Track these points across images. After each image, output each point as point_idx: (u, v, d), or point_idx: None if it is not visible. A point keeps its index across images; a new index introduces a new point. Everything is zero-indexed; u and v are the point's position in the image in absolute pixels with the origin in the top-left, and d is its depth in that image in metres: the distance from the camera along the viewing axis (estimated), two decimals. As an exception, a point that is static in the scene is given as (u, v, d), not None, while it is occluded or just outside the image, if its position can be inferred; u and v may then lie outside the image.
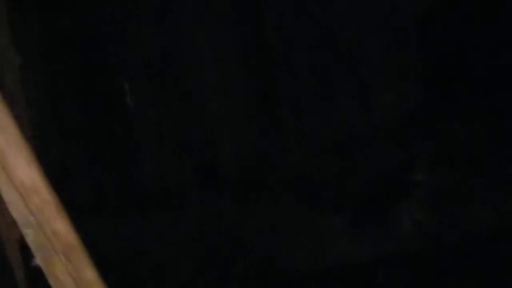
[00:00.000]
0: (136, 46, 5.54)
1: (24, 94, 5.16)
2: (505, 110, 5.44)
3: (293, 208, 5.24)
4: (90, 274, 1.82)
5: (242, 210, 5.26)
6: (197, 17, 5.54)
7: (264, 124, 5.64)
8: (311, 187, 5.34)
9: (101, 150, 5.55)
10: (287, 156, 5.57)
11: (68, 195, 5.13)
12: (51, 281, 1.83)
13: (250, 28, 5.61)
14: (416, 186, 5.24)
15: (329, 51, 5.69)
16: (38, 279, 1.87)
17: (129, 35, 5.50)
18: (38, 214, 1.79)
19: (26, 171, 1.77)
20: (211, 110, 5.65)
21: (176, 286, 4.89)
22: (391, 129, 5.63)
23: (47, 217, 1.79)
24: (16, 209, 1.79)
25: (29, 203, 1.78)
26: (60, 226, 1.80)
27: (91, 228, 5.15)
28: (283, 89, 5.71)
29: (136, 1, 5.49)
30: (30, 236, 1.81)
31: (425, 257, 4.82)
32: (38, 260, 1.82)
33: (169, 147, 5.60)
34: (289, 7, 5.60)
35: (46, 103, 5.47)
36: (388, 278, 4.67)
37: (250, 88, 5.68)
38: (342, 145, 5.59)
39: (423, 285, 4.55)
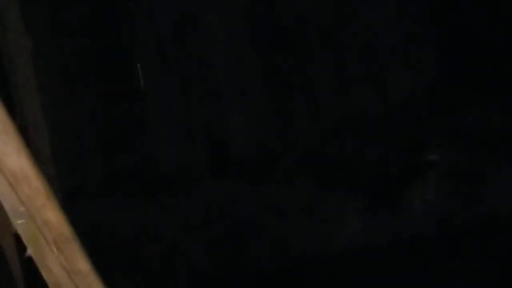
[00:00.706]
0: (149, 28, 5.49)
1: (36, 77, 5.13)
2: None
3: (306, 190, 5.19)
4: (83, 265, 1.77)
5: (255, 192, 5.22)
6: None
7: (277, 105, 5.59)
8: (324, 168, 5.28)
9: (114, 132, 5.52)
10: (300, 137, 5.52)
11: (81, 177, 5.14)
12: (44, 273, 1.78)
13: (263, 6, 5.56)
14: (431, 167, 5.17)
15: (342, 29, 5.62)
16: (34, 272, 1.82)
17: (141, 16, 5.46)
18: (29, 204, 1.74)
19: (16, 159, 1.72)
20: (224, 91, 5.60)
21: (187, 268, 4.86)
22: (405, 110, 5.56)
23: (38, 206, 1.74)
24: (7, 200, 1.74)
25: (20, 193, 1.73)
26: (52, 215, 1.75)
27: (103, 210, 5.15)
28: (296, 69, 5.65)
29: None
30: (22, 227, 1.76)
31: (438, 239, 4.76)
32: (30, 252, 1.78)
33: (181, 129, 5.57)
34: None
35: (58, 86, 5.44)
36: (401, 260, 4.62)
37: (263, 68, 5.62)
38: (356, 126, 5.53)
39: (436, 266, 4.49)
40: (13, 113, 4.72)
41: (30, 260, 1.79)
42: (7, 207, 1.75)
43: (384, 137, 5.43)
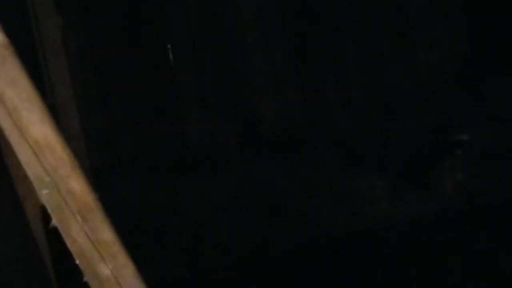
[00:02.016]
0: (180, 8, 5.49)
1: (66, 55, 5.14)
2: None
3: (334, 168, 5.18)
4: (107, 235, 1.76)
5: (283, 170, 5.21)
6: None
7: (307, 84, 5.57)
8: (353, 147, 5.26)
9: (144, 110, 5.53)
10: (329, 116, 5.50)
11: (111, 155, 5.15)
12: (68, 243, 1.78)
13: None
14: (460, 147, 5.13)
15: (373, 9, 5.58)
16: (58, 241, 1.82)
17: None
18: (53, 173, 1.73)
19: (40, 128, 1.71)
20: (254, 71, 5.59)
21: (214, 245, 4.86)
22: (435, 89, 5.52)
23: (62, 176, 1.73)
24: (31, 169, 1.74)
25: (44, 162, 1.73)
26: (76, 185, 1.74)
27: (133, 187, 5.16)
28: (327, 49, 5.62)
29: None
30: (46, 197, 1.75)
31: (467, 218, 4.73)
32: (55, 221, 1.77)
33: (211, 107, 5.57)
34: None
35: (88, 64, 5.45)
36: (429, 239, 4.59)
37: (293, 47, 5.61)
38: (386, 105, 5.50)
39: (463, 245, 4.47)
40: (43, 90, 4.74)
41: (55, 230, 1.79)
42: (32, 177, 1.74)
43: (414, 117, 5.39)
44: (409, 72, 5.61)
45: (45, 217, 1.84)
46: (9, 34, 1.67)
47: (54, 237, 1.82)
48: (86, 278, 1.80)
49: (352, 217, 4.93)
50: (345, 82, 5.60)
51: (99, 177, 4.93)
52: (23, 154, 1.72)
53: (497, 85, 5.33)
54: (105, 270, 1.78)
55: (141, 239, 4.79)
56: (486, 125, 5.25)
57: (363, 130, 5.36)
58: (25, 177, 1.79)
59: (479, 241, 4.49)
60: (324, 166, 5.21)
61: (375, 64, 5.63)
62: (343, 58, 5.62)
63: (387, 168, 5.12)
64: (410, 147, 5.25)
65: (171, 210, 5.02)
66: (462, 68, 5.50)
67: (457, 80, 5.47)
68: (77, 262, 1.78)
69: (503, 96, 5.30)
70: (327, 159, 5.24)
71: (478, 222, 4.71)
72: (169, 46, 5.57)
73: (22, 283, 2.06)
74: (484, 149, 5.16)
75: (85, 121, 5.18)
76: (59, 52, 5.06)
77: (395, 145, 5.28)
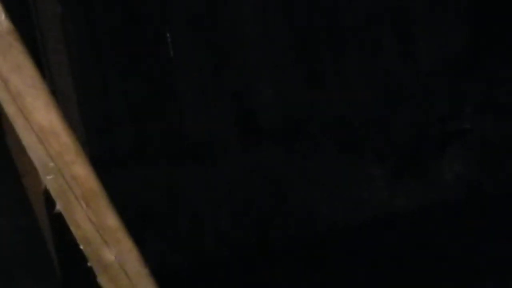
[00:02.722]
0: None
1: (66, 43, 5.13)
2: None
3: (334, 158, 5.18)
4: (112, 220, 1.77)
5: (283, 160, 5.21)
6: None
7: (306, 73, 5.56)
8: (353, 136, 5.27)
9: (143, 100, 5.52)
10: (330, 105, 5.49)
11: (110, 144, 5.15)
12: (72, 228, 1.78)
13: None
14: (460, 135, 5.13)
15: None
16: (62, 227, 1.82)
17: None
18: (58, 159, 1.74)
19: (45, 114, 1.71)
20: (253, 60, 5.58)
21: (214, 236, 4.87)
22: (436, 78, 5.51)
23: (67, 161, 1.74)
24: (36, 154, 1.74)
25: (49, 148, 1.73)
26: (80, 170, 1.75)
27: (132, 177, 5.16)
28: (325, 38, 5.62)
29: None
30: (51, 183, 1.76)
31: (466, 208, 4.74)
32: (59, 207, 1.78)
33: (210, 97, 5.56)
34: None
35: (88, 53, 5.44)
36: (428, 227, 4.60)
37: (293, 37, 5.60)
38: (386, 95, 5.50)
39: (462, 233, 4.47)
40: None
41: (59, 216, 1.79)
42: (36, 162, 1.75)
43: (413, 105, 5.39)
44: (409, 61, 5.60)
45: (49, 203, 1.85)
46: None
47: (58, 223, 1.83)
48: (90, 264, 1.80)
49: (352, 206, 4.94)
50: (345, 71, 5.60)
51: (98, 166, 4.92)
52: (28, 140, 1.73)
53: (499, 75, 5.33)
54: (109, 256, 1.79)
55: (140, 229, 4.80)
56: (487, 114, 5.25)
57: (362, 119, 5.36)
58: (29, 163, 1.80)
59: (478, 230, 4.50)
60: (324, 155, 5.22)
61: (375, 53, 5.62)
62: (343, 47, 5.62)
63: (387, 158, 5.13)
64: (410, 137, 5.26)
65: (170, 199, 5.02)
66: (463, 57, 5.49)
67: (458, 69, 5.46)
68: (81, 247, 1.79)
69: (505, 86, 5.30)
70: (327, 148, 5.25)
71: (478, 212, 4.72)
72: (168, 35, 5.57)
73: (25, 269, 2.06)
74: (485, 139, 5.17)
75: (84, 111, 5.18)
76: (58, 42, 5.06)
77: (395, 134, 5.28)
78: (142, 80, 5.50)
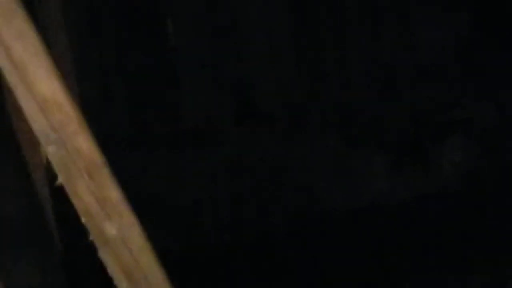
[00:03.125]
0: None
1: (65, 24, 5.09)
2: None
3: (334, 145, 5.16)
4: (114, 193, 1.74)
5: (282, 146, 5.20)
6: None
7: (306, 61, 5.54)
8: (353, 124, 5.25)
9: (142, 84, 5.50)
10: (329, 92, 5.48)
11: (108, 128, 5.12)
12: (74, 201, 1.75)
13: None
14: (460, 125, 5.12)
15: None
16: (63, 200, 1.80)
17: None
18: (60, 130, 1.70)
19: (48, 83, 1.68)
20: (254, 46, 5.56)
21: (212, 221, 4.86)
22: (436, 67, 5.50)
23: (70, 133, 1.70)
24: (37, 125, 1.71)
25: (51, 119, 1.70)
26: (83, 143, 1.72)
27: (129, 161, 5.14)
28: (326, 25, 5.60)
29: None
30: (52, 154, 1.73)
31: (464, 197, 4.73)
32: (61, 179, 1.75)
33: (210, 83, 5.54)
34: None
35: (87, 35, 5.41)
36: (426, 216, 4.59)
37: (293, 23, 5.58)
38: (386, 83, 5.48)
39: (461, 222, 4.47)
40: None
41: (60, 188, 1.76)
42: (38, 133, 1.71)
43: (414, 95, 5.38)
44: (410, 50, 5.58)
45: (51, 175, 1.82)
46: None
47: (60, 195, 1.80)
48: (91, 237, 1.78)
49: (350, 193, 4.92)
50: (345, 59, 5.58)
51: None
52: (30, 110, 1.69)
53: (499, 65, 5.31)
54: (111, 229, 1.76)
55: (137, 214, 4.77)
56: (487, 104, 5.24)
57: (362, 107, 5.34)
58: (30, 133, 1.77)
59: (476, 219, 4.49)
60: (323, 142, 5.20)
61: (375, 42, 5.60)
62: (343, 35, 5.60)
63: (387, 147, 5.11)
64: (410, 126, 5.24)
65: (169, 185, 5.01)
66: (463, 47, 5.48)
67: (458, 59, 5.44)
68: (82, 220, 1.76)
69: (505, 76, 5.29)
70: (326, 135, 5.23)
71: (476, 201, 4.71)
72: (169, 20, 5.54)
73: (25, 243, 2.04)
74: (484, 128, 5.15)
75: (81, 94, 5.14)
76: (58, 23, 5.02)
77: (394, 123, 5.27)
78: (142, 65, 5.48)
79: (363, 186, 4.97)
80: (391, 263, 4.33)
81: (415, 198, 4.80)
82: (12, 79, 1.67)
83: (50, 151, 1.72)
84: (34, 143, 1.81)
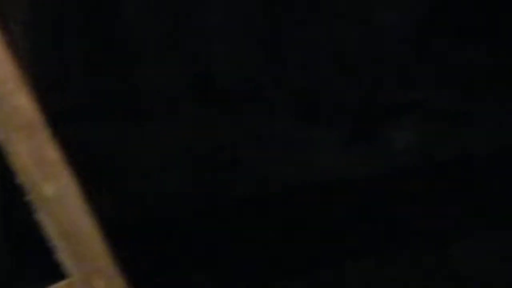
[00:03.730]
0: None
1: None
2: (509, 32, 5.33)
3: (286, 121, 5.19)
4: (52, 153, 1.74)
5: (235, 121, 5.21)
6: None
7: (263, 35, 5.54)
8: (305, 101, 5.27)
9: (98, 57, 5.47)
10: (284, 70, 5.49)
11: (63, 99, 5.09)
12: (12, 160, 1.74)
13: None
14: (413, 106, 5.17)
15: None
16: (2, 161, 1.79)
17: None
18: (-1, 87, 1.69)
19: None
20: (212, 21, 5.55)
21: (164, 195, 4.86)
22: (391, 48, 5.53)
23: (8, 90, 1.69)
24: (-26, 82, 1.70)
25: (-12, 76, 1.68)
26: (22, 101, 1.71)
27: (83, 133, 5.12)
28: (284, 5, 5.60)
29: None
30: (-10, 112, 1.71)
31: (417, 175, 4.78)
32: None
33: (166, 56, 5.52)
34: None
35: (43, 7, 5.37)
36: (379, 194, 4.63)
37: (254, 2, 5.58)
38: (341, 62, 5.50)
39: (414, 202, 4.51)
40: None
41: (-1, 148, 1.75)
42: (-26, 90, 1.70)
43: (367, 75, 5.41)
44: (366, 30, 5.61)
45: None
46: None
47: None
48: (29, 197, 1.77)
49: (304, 170, 4.95)
50: (301, 38, 5.58)
51: (49, 121, 4.86)
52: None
53: (454, 47, 5.35)
54: (48, 189, 1.75)
55: (88, 185, 4.75)
56: (440, 86, 5.28)
57: (317, 85, 5.36)
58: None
59: (428, 197, 4.54)
60: (276, 118, 5.22)
61: (331, 22, 5.61)
62: (300, 15, 5.60)
63: (338, 123, 5.15)
64: (362, 104, 5.28)
65: (120, 156, 4.99)
66: (419, 28, 5.51)
67: (414, 40, 5.48)
68: (20, 180, 1.75)
69: (460, 59, 5.33)
70: (279, 111, 5.24)
71: (426, 180, 4.76)
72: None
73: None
74: (436, 110, 5.20)
75: (37, 64, 5.11)
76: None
77: (347, 101, 5.30)
78: (97, 38, 5.45)
79: (316, 162, 5.00)
80: (343, 238, 4.38)
81: (367, 175, 4.84)
82: None
83: (-13, 108, 1.71)
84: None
